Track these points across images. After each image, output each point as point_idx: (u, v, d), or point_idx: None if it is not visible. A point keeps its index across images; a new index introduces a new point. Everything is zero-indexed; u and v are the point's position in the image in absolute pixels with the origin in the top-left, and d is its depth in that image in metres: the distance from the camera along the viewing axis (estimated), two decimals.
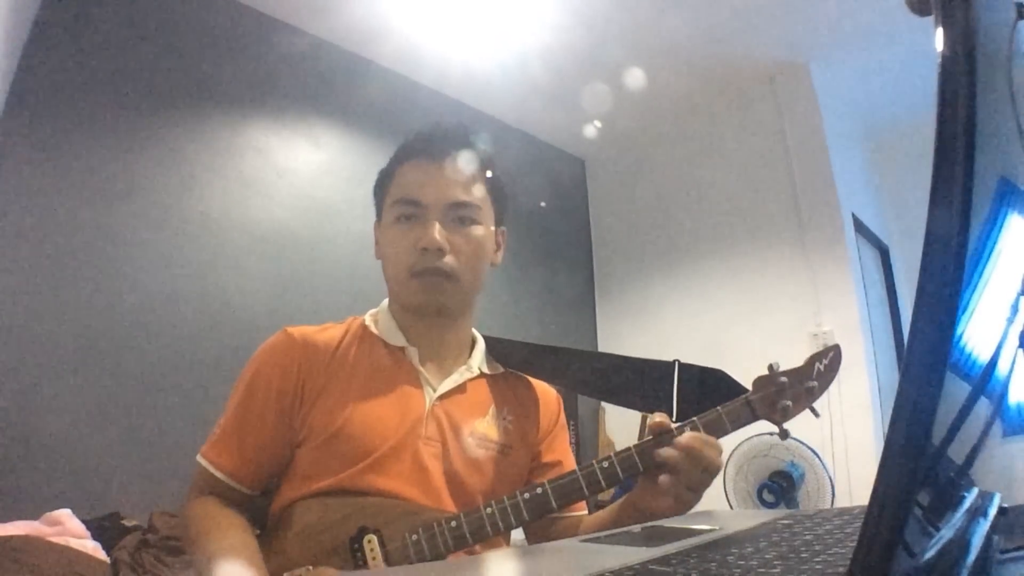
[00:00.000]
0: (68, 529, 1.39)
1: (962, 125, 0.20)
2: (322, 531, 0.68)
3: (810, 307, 2.75)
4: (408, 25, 2.58)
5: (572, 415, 2.71)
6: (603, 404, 3.31)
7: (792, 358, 0.72)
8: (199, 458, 0.75)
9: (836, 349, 0.72)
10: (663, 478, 0.65)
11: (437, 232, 0.76)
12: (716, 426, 0.67)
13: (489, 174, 0.84)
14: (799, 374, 0.70)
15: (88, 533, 1.43)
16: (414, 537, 0.65)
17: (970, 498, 0.29)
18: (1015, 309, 0.32)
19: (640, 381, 0.85)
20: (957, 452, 0.25)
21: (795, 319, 2.77)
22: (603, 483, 0.67)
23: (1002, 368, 0.32)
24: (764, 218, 3.00)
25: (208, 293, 2.11)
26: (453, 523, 0.66)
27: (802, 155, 2.91)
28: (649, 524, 0.63)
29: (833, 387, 0.72)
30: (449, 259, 0.77)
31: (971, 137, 0.20)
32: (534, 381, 0.91)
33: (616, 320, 3.56)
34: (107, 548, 1.44)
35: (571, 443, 0.94)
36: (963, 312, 0.21)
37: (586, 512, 0.85)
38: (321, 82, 2.62)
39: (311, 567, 0.65)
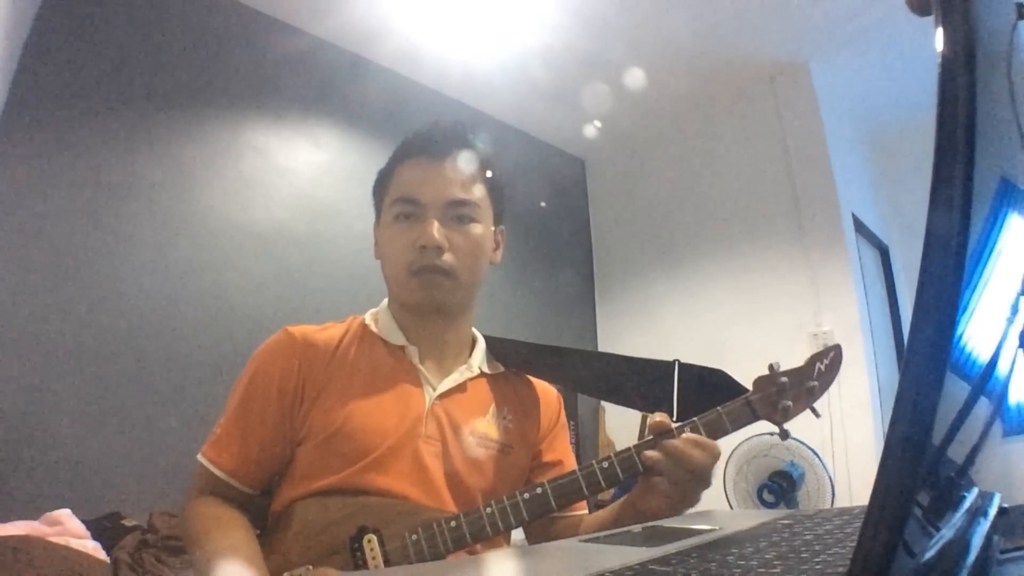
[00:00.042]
0: (68, 529, 1.39)
1: (962, 125, 0.20)
2: (322, 531, 0.68)
3: (810, 307, 2.75)
4: (408, 25, 2.58)
5: (572, 415, 2.71)
6: (603, 404, 3.31)
7: (792, 358, 0.72)
8: (199, 457, 0.75)
9: (837, 349, 0.71)
10: (655, 479, 0.65)
11: (436, 230, 0.76)
12: (716, 426, 0.67)
13: (488, 173, 0.85)
14: (800, 374, 0.70)
15: (88, 533, 1.43)
16: (414, 537, 0.65)
17: (970, 498, 0.29)
18: (1015, 309, 0.32)
19: (640, 381, 0.85)
20: (957, 452, 0.25)
21: (795, 319, 2.76)
22: (603, 483, 0.67)
23: (1002, 368, 0.32)
24: (764, 218, 3.00)
25: (208, 293, 2.11)
26: (453, 523, 0.66)
27: (802, 155, 2.91)
28: (649, 524, 0.63)
29: (833, 387, 0.72)
30: (448, 257, 0.77)
31: (971, 137, 0.20)
32: (535, 380, 0.91)
33: (616, 320, 3.56)
34: (107, 548, 1.44)
35: (571, 443, 0.94)
36: (963, 312, 0.21)
37: (587, 512, 0.85)
38: (321, 82, 2.62)
39: (311, 567, 0.65)
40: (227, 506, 0.73)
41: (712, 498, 0.71)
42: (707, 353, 0.92)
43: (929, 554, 0.22)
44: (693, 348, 2.92)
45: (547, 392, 0.91)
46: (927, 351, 0.19)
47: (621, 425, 3.21)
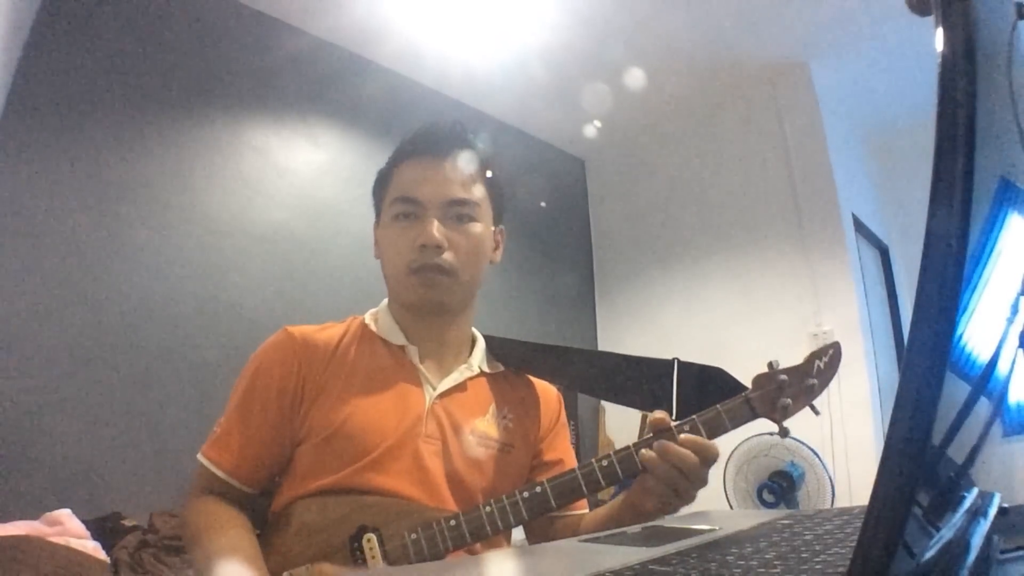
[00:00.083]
0: (68, 529, 1.39)
1: (962, 125, 0.20)
2: (322, 530, 0.68)
3: (810, 307, 2.75)
4: (408, 25, 2.58)
5: (572, 415, 2.71)
6: (603, 404, 3.31)
7: (792, 358, 0.72)
8: (200, 457, 0.75)
9: (836, 346, 0.71)
10: (650, 478, 0.65)
11: (436, 229, 0.77)
12: (715, 424, 0.67)
13: (488, 173, 0.85)
14: (799, 372, 0.70)
15: (88, 533, 1.43)
16: (413, 536, 0.65)
17: (970, 498, 0.29)
18: (1015, 309, 0.32)
19: (640, 379, 0.85)
20: (957, 452, 0.25)
21: (795, 319, 2.77)
22: (602, 482, 0.67)
23: (1002, 368, 0.32)
24: (764, 218, 3.00)
25: (208, 293, 2.11)
26: (452, 522, 0.66)
27: (802, 155, 2.91)
28: (649, 524, 0.63)
29: (833, 387, 0.72)
30: (448, 256, 0.77)
31: (971, 137, 0.20)
32: (535, 380, 0.91)
33: (616, 320, 3.56)
34: (107, 548, 1.44)
35: (571, 443, 0.94)
36: (963, 312, 0.21)
37: (587, 511, 0.85)
38: (321, 82, 2.62)
39: (311, 565, 0.65)
40: (227, 505, 0.73)
41: (712, 498, 0.71)
42: (707, 353, 0.92)
43: (929, 554, 0.22)
44: (693, 348, 2.91)
45: (547, 391, 0.91)
46: (927, 351, 0.19)
47: (621, 425, 3.21)
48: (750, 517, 0.62)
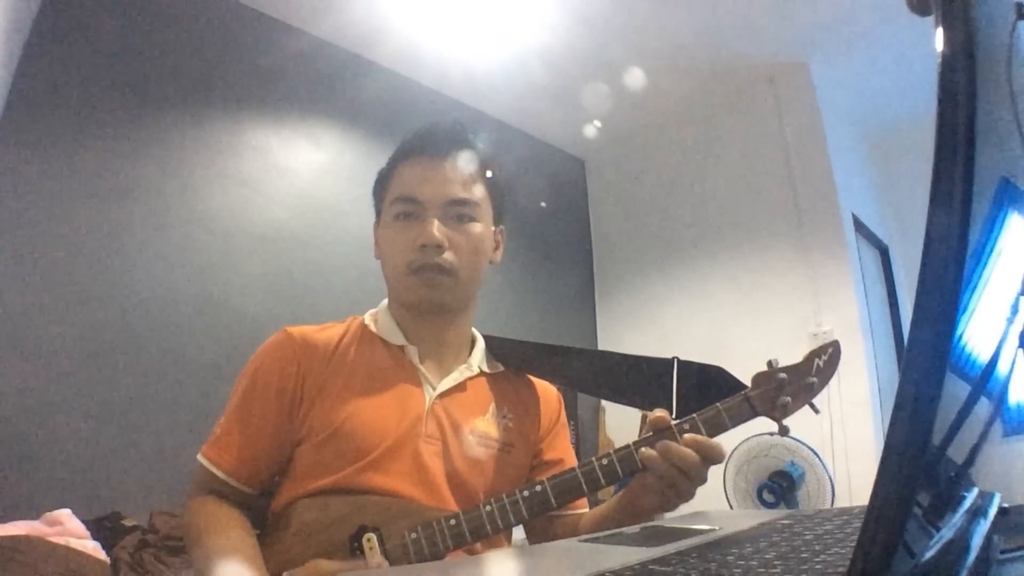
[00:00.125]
0: (68, 529, 1.39)
1: (962, 125, 0.20)
2: (322, 530, 0.68)
3: (810, 307, 2.75)
4: (408, 25, 2.58)
5: (572, 415, 2.71)
6: (603, 403, 3.31)
7: (792, 358, 0.72)
8: (199, 457, 0.75)
9: (835, 345, 0.71)
10: (650, 476, 0.65)
11: (436, 229, 0.77)
12: (715, 423, 0.67)
13: (488, 173, 0.85)
14: (798, 370, 0.70)
15: (88, 533, 1.43)
16: (413, 535, 0.65)
17: (970, 498, 0.29)
18: (1015, 309, 0.32)
19: (640, 379, 0.85)
20: (957, 452, 0.25)
21: (795, 319, 2.77)
22: (602, 480, 0.67)
23: (1002, 368, 0.32)
24: (764, 218, 3.00)
25: (208, 293, 2.11)
26: (452, 521, 0.66)
27: (802, 155, 2.91)
28: (649, 524, 0.63)
29: (833, 387, 0.72)
30: (448, 255, 0.77)
31: (971, 137, 0.20)
32: (534, 380, 0.91)
33: (616, 320, 3.56)
34: (107, 548, 1.44)
35: (571, 442, 0.94)
36: (963, 312, 0.21)
37: (587, 510, 0.85)
38: (321, 82, 2.62)
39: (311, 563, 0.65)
40: (227, 506, 0.73)
41: (712, 498, 0.71)
42: (707, 353, 0.92)
43: (929, 554, 0.22)
44: (693, 348, 2.91)
45: (547, 391, 0.91)
46: (927, 351, 0.19)
47: (621, 425, 3.21)
48: (750, 517, 0.62)
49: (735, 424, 0.68)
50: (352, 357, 0.79)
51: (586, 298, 3.66)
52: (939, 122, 0.20)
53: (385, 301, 0.87)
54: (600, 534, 0.57)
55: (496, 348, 0.89)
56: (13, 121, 1.77)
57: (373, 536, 0.65)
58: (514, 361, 0.89)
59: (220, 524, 0.69)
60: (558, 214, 3.61)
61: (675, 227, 3.36)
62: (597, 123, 3.41)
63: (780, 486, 2.16)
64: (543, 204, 3.45)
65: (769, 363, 0.70)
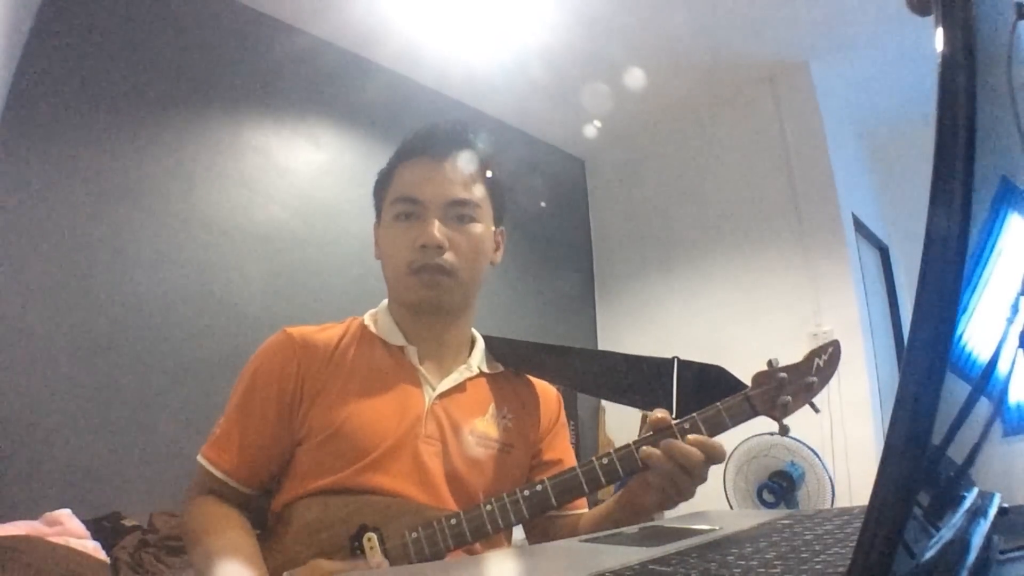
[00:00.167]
0: (68, 529, 1.39)
1: (962, 125, 0.20)
2: (322, 530, 0.68)
3: (810, 307, 2.75)
4: (408, 25, 2.58)
5: (572, 415, 2.71)
6: (603, 403, 3.31)
7: (792, 358, 0.72)
8: (199, 458, 0.75)
9: (835, 344, 0.71)
10: (650, 475, 0.65)
11: (436, 229, 0.77)
12: (715, 422, 0.67)
13: (488, 173, 0.85)
14: (798, 369, 0.70)
15: (88, 533, 1.43)
16: (414, 535, 0.65)
17: (970, 498, 0.29)
18: (1015, 309, 0.32)
19: (640, 378, 0.85)
20: (957, 452, 0.25)
21: (795, 319, 2.77)
22: (603, 479, 0.67)
23: (1002, 368, 0.32)
24: (764, 218, 3.00)
25: (208, 293, 2.11)
26: (453, 521, 0.66)
27: (802, 155, 2.91)
28: (649, 524, 0.63)
29: (833, 387, 0.72)
30: (448, 256, 0.77)
31: (971, 137, 0.20)
32: (534, 380, 0.91)
33: (616, 320, 3.56)
34: (107, 548, 1.44)
35: (571, 443, 0.94)
36: (963, 312, 0.21)
37: (586, 510, 0.85)
38: (321, 82, 2.63)
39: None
40: (226, 506, 0.73)
41: (712, 498, 0.71)
42: (707, 353, 0.92)
43: (929, 554, 0.22)
44: (693, 348, 2.90)
45: (547, 391, 0.91)
46: (927, 351, 0.19)
47: (621, 425, 3.21)
48: (750, 517, 0.62)
49: (735, 423, 0.68)
50: (352, 357, 0.79)
51: (586, 298, 3.67)
52: (939, 122, 0.20)
53: (385, 301, 0.87)
54: (600, 534, 0.57)
55: (496, 348, 0.89)
56: (13, 121, 1.77)
57: (374, 536, 0.65)
58: (514, 361, 0.89)
59: (220, 524, 0.69)
60: (558, 214, 3.61)
61: (675, 227, 3.36)
62: (597, 123, 3.41)
63: (780, 486, 2.16)
64: (543, 204, 3.45)
65: (769, 363, 0.70)
